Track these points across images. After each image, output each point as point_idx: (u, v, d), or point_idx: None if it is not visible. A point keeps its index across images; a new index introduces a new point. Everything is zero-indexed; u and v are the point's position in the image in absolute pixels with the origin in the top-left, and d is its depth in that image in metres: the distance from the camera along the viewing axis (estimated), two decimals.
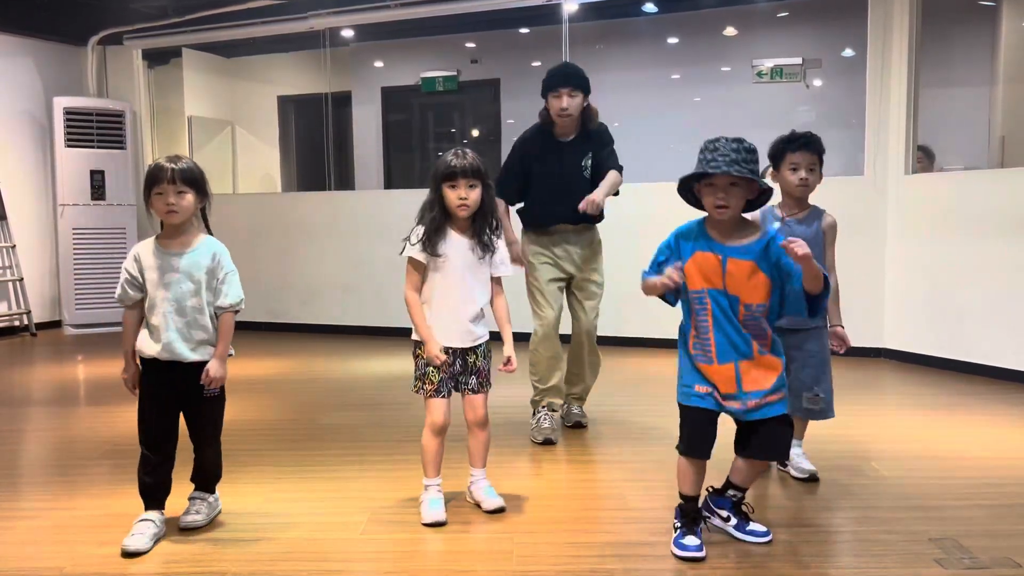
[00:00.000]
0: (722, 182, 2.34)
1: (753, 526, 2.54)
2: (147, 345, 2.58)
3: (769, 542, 2.51)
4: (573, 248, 3.78)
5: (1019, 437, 3.75)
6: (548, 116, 3.74)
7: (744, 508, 2.59)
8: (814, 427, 3.22)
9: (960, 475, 3.18)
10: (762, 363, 2.39)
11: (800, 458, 3.13)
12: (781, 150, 3.01)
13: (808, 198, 3.06)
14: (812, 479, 3.08)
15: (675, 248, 2.44)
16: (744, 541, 2.51)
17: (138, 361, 2.62)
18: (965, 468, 3.27)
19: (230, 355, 2.67)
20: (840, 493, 3.00)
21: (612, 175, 3.73)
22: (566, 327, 3.84)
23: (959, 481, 3.11)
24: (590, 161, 3.76)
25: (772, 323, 2.43)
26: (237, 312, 2.65)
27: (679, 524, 2.50)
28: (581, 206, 3.56)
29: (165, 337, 2.55)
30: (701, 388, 2.42)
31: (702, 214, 2.48)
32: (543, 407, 3.78)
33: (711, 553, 2.46)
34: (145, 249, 2.62)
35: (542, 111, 3.77)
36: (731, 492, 2.57)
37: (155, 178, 2.55)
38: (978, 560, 2.39)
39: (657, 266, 2.45)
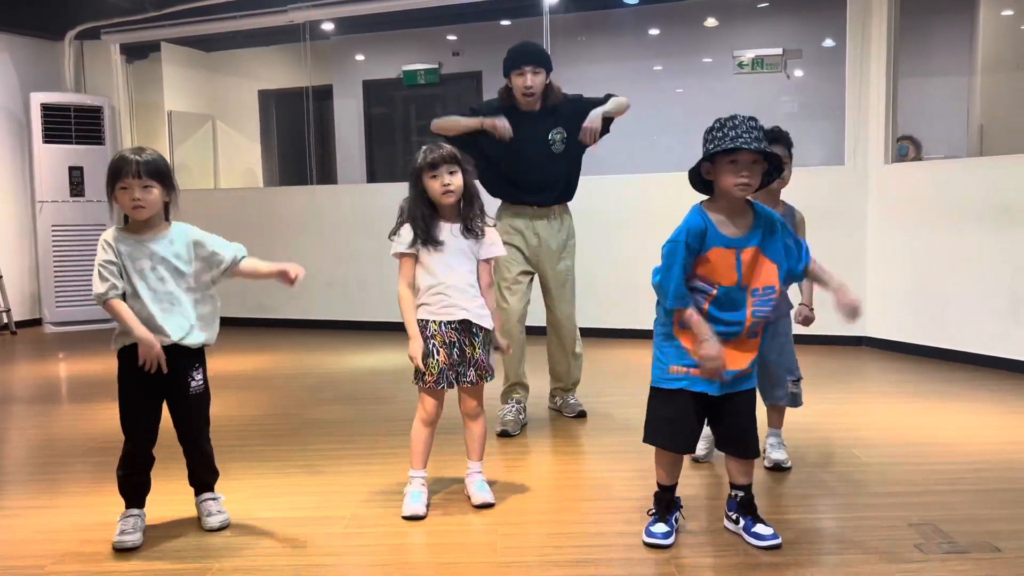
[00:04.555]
0: (746, 159, 2.28)
1: (759, 528, 2.45)
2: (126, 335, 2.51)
3: (777, 546, 2.41)
4: (545, 232, 3.75)
5: (999, 423, 3.79)
6: (509, 96, 3.68)
7: (731, 507, 2.53)
8: (797, 415, 3.24)
9: (940, 461, 3.22)
10: (746, 345, 2.38)
11: (773, 448, 3.14)
12: None
13: (781, 194, 3.05)
14: (776, 468, 3.09)
15: (700, 232, 2.32)
16: (753, 545, 2.43)
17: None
18: (945, 454, 3.30)
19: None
20: (821, 480, 3.02)
21: (616, 99, 3.74)
22: (540, 320, 3.86)
23: (939, 467, 3.14)
24: (560, 135, 3.69)
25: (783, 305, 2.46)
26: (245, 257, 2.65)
27: (653, 512, 2.52)
28: (580, 136, 3.62)
29: (146, 320, 2.49)
30: (678, 368, 2.39)
31: (679, 205, 2.47)
32: (511, 399, 3.80)
33: (695, 540, 2.48)
34: (112, 236, 2.53)
35: (502, 90, 3.70)
36: (733, 492, 2.53)
37: (119, 171, 2.47)
38: (957, 544, 2.41)
39: (682, 258, 2.32)
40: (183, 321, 2.54)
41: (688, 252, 2.32)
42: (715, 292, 2.35)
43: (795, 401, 3.10)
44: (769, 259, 2.36)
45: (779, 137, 2.98)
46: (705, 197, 2.42)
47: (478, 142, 3.67)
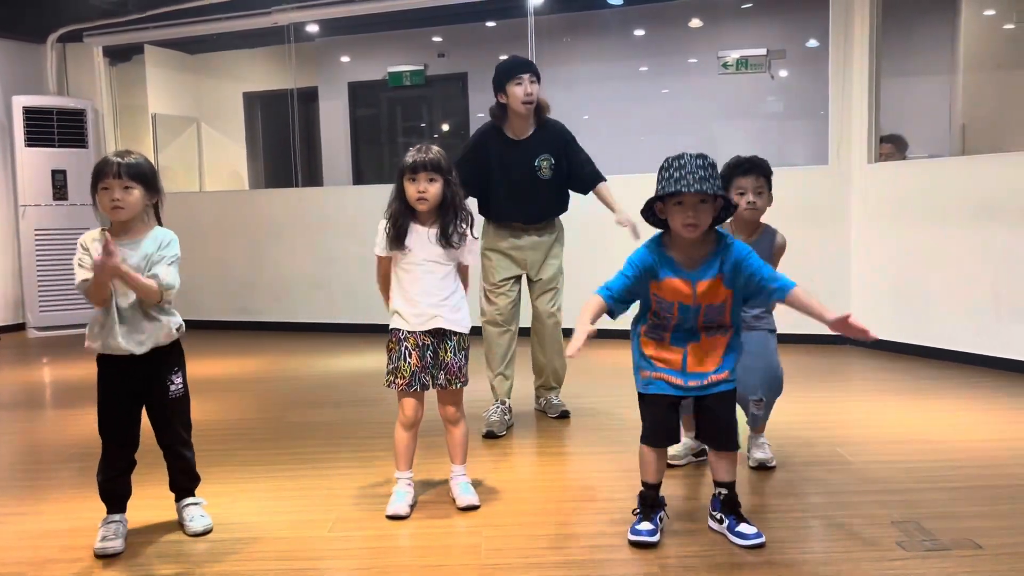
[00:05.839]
0: (692, 200, 2.33)
1: (743, 527, 2.46)
2: (97, 342, 2.50)
3: (760, 545, 2.42)
4: (530, 242, 3.79)
5: (982, 420, 3.82)
6: (502, 112, 3.72)
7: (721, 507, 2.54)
8: (780, 413, 3.25)
9: (924, 459, 3.23)
10: (707, 344, 2.46)
11: (757, 448, 3.15)
12: (727, 176, 2.99)
13: (758, 220, 3.06)
14: (761, 467, 3.10)
15: (648, 267, 2.43)
16: (737, 545, 2.43)
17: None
18: (929, 452, 3.32)
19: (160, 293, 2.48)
20: (804, 479, 3.03)
21: (606, 188, 3.85)
22: (525, 322, 3.88)
23: (923, 464, 3.16)
24: (547, 161, 3.74)
25: (736, 317, 2.49)
26: (165, 294, 2.47)
27: (638, 511, 2.53)
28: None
29: (110, 333, 2.46)
30: (647, 373, 2.50)
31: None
32: (496, 398, 3.82)
33: (679, 540, 2.49)
34: (91, 238, 2.53)
35: (494, 107, 3.74)
36: (717, 490, 2.55)
37: (100, 172, 2.48)
38: (939, 542, 2.43)
39: (624, 278, 2.45)
40: (146, 325, 2.50)
41: (631, 276, 2.44)
42: (676, 308, 2.43)
43: (754, 422, 3.11)
44: (726, 287, 2.42)
45: (755, 166, 2.99)
46: None
47: (478, 151, 3.74)
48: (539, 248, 3.82)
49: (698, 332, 2.46)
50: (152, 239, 2.55)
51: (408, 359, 2.75)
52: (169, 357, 2.59)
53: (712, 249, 2.42)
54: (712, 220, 2.40)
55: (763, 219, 3.08)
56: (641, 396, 2.54)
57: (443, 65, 8.07)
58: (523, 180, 3.72)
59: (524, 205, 3.75)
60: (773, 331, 3.09)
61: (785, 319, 3.23)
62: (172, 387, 2.59)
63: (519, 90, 3.62)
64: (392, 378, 2.78)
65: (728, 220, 2.61)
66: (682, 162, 2.33)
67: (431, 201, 2.73)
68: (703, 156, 2.35)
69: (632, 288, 2.45)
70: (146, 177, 2.52)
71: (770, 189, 3.02)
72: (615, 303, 2.45)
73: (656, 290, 2.44)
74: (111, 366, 2.53)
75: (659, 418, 2.50)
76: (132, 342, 2.49)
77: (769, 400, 3.08)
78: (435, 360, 2.79)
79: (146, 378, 2.56)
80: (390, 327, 2.83)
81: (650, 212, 2.44)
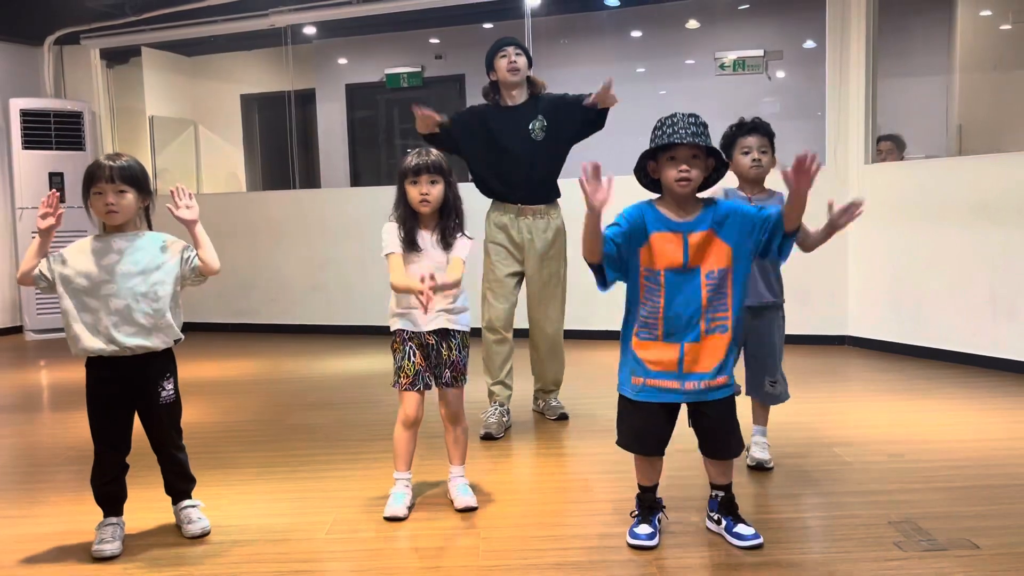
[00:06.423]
0: (684, 154, 2.34)
1: (740, 528, 2.45)
2: (90, 341, 2.48)
3: (758, 546, 2.41)
4: (530, 230, 3.75)
5: (979, 420, 3.82)
6: (494, 90, 3.75)
7: (718, 508, 2.53)
8: (778, 413, 3.25)
9: (921, 459, 3.24)
10: (707, 345, 2.38)
11: (757, 447, 3.15)
12: (732, 136, 3.05)
13: (764, 181, 3.08)
14: (759, 467, 3.11)
15: (639, 220, 2.38)
16: (735, 545, 2.43)
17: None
18: (926, 452, 3.32)
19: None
20: (802, 479, 3.03)
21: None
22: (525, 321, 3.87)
23: (920, 465, 3.16)
24: (540, 123, 3.71)
25: (738, 300, 2.40)
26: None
27: (636, 513, 2.53)
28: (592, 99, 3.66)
29: (96, 328, 2.46)
30: (639, 380, 2.43)
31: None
32: (494, 401, 3.81)
33: (677, 541, 2.49)
34: (83, 243, 2.53)
35: (486, 86, 3.77)
36: (714, 492, 2.54)
37: (93, 177, 2.47)
38: (936, 542, 2.43)
39: (616, 225, 2.39)
40: (140, 318, 2.48)
41: (623, 223, 2.38)
42: (663, 278, 2.37)
43: (770, 400, 3.11)
44: (722, 239, 2.38)
45: (758, 126, 3.03)
46: None
47: (458, 144, 3.73)
48: (537, 237, 3.74)
49: (698, 327, 2.36)
50: (151, 238, 2.55)
51: (413, 358, 2.76)
52: (161, 363, 2.58)
53: (703, 207, 2.41)
54: (705, 180, 2.40)
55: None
56: (628, 400, 2.47)
57: (440, 67, 8.07)
58: (515, 142, 3.68)
59: (516, 169, 3.69)
60: (782, 305, 3.11)
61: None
62: (164, 393, 2.58)
63: (503, 62, 3.66)
64: (397, 377, 2.80)
65: (722, 182, 2.58)
66: (675, 119, 2.36)
67: (434, 203, 2.74)
68: (695, 115, 2.38)
69: (626, 233, 2.36)
70: (138, 180, 2.52)
71: (773, 150, 3.05)
72: (609, 241, 2.35)
73: (646, 258, 2.37)
74: (101, 370, 2.52)
75: (647, 424, 2.44)
76: (121, 333, 2.47)
77: (782, 376, 3.10)
78: (439, 359, 2.80)
79: (137, 384, 2.55)
80: (392, 328, 2.83)
81: (643, 173, 2.44)
